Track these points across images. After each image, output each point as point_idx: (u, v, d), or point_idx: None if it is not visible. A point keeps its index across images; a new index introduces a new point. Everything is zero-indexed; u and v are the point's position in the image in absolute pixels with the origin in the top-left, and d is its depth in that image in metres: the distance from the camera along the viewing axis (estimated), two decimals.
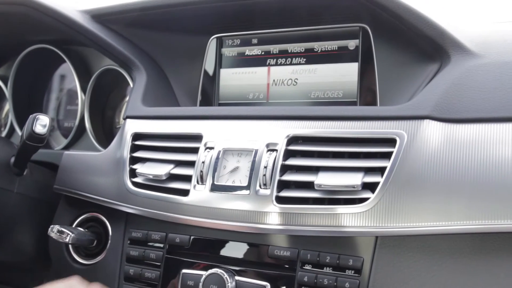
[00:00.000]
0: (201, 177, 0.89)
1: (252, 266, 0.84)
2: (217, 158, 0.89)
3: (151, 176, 0.95)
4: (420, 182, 0.75)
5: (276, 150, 0.85)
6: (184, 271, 0.87)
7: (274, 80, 1.07)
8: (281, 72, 1.07)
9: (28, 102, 1.43)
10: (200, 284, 0.84)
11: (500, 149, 0.73)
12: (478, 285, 0.71)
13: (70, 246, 1.06)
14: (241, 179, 0.86)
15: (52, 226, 0.99)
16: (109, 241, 1.01)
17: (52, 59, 1.38)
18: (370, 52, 0.98)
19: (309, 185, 0.82)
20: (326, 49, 1.02)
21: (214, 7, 1.06)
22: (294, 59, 1.05)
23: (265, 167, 0.84)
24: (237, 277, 0.83)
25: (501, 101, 0.77)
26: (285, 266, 0.82)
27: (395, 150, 0.78)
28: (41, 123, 0.97)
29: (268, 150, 0.86)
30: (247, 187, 0.85)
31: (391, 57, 0.98)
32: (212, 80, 1.13)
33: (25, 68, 1.41)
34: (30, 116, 0.98)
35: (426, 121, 0.79)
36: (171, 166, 0.94)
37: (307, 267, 0.81)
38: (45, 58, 1.39)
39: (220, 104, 1.12)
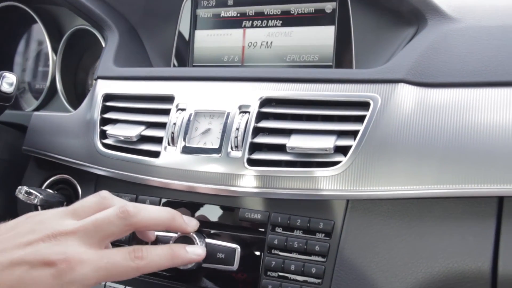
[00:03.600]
0: (172, 138, 0.88)
1: (222, 228, 0.84)
2: (189, 119, 0.88)
3: (121, 138, 0.93)
4: (393, 146, 0.75)
5: (249, 112, 0.84)
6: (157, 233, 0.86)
7: (249, 43, 1.05)
8: (256, 35, 1.04)
9: None
10: None
11: (473, 114, 0.72)
12: (446, 248, 0.71)
13: (39, 208, 1.04)
14: (213, 141, 0.85)
15: (19, 187, 0.97)
16: None
17: (22, 19, 1.34)
18: (347, 16, 0.97)
19: (281, 148, 0.81)
20: (303, 12, 1.00)
21: None
22: (270, 21, 1.03)
23: (237, 129, 0.83)
24: (207, 240, 0.82)
25: (476, 66, 0.76)
26: (256, 229, 0.82)
27: (368, 113, 0.77)
28: (8, 81, 0.94)
29: (240, 112, 0.85)
30: (219, 149, 0.84)
31: (368, 21, 0.96)
32: (187, 42, 1.11)
33: None
34: None
35: (401, 85, 0.78)
36: (142, 127, 0.93)
37: (278, 230, 0.80)
38: (15, 17, 1.35)
39: (194, 66, 1.10)
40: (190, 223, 0.80)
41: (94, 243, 0.66)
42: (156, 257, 0.70)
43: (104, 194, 0.74)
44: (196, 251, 0.77)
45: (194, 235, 0.81)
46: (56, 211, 0.70)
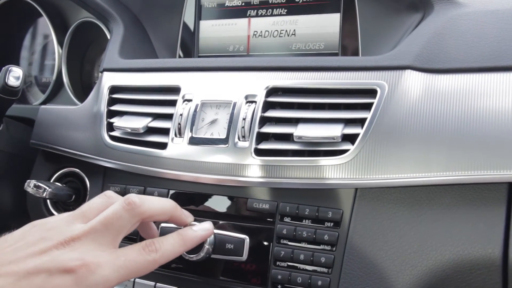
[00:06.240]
0: (179, 129, 0.87)
1: (231, 219, 0.84)
2: (195, 110, 0.87)
3: (128, 130, 0.93)
4: (400, 133, 0.74)
5: (255, 102, 0.83)
6: (162, 225, 0.85)
7: (254, 32, 1.04)
8: (261, 24, 1.04)
9: (2, 57, 1.39)
10: None
11: (481, 99, 0.72)
12: (456, 235, 0.70)
13: (48, 201, 1.04)
14: (220, 131, 0.85)
15: (28, 181, 0.98)
16: (88, 196, 1.00)
17: (27, 13, 1.34)
18: (352, 3, 0.96)
19: (288, 137, 0.81)
20: (308, 0, 1.00)
21: None
22: (275, 10, 1.02)
23: (244, 119, 0.82)
24: (216, 230, 0.82)
25: (483, 51, 0.75)
26: (264, 219, 0.81)
27: (375, 101, 0.77)
28: (14, 75, 0.94)
29: (247, 102, 0.84)
30: (226, 140, 0.83)
31: (373, 7, 0.95)
32: (192, 33, 1.11)
33: None
34: (3, 68, 0.95)
35: (408, 71, 0.77)
36: (149, 119, 0.92)
37: (286, 219, 0.80)
38: (20, 11, 1.34)
39: (199, 57, 1.10)
40: (189, 216, 0.80)
41: (108, 243, 0.66)
42: (169, 246, 0.70)
43: (110, 193, 0.74)
44: (203, 227, 0.77)
45: None
46: (63, 216, 0.70)
